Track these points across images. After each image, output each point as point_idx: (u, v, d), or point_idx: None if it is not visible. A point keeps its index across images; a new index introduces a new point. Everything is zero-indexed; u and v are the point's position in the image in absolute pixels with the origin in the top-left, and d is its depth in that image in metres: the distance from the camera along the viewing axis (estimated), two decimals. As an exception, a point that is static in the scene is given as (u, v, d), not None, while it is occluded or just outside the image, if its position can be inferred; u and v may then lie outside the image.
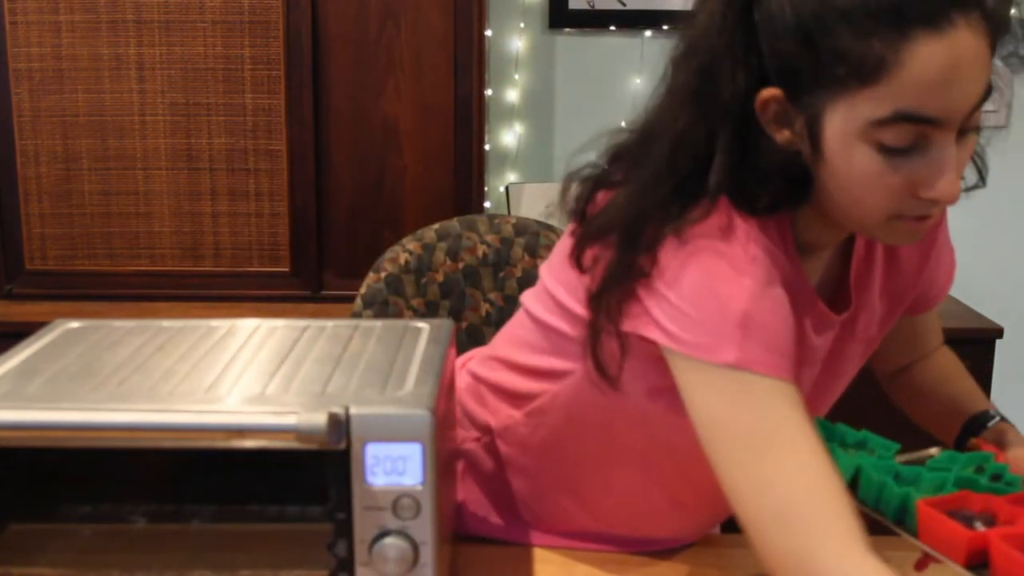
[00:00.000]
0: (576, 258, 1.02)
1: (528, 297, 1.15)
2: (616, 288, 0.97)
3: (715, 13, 0.91)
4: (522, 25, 2.39)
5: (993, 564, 0.83)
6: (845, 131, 0.88)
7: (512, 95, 2.41)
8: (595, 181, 1.03)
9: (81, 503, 0.94)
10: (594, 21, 2.38)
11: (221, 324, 1.11)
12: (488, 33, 2.20)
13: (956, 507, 0.89)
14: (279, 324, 1.12)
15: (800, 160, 0.93)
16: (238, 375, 0.96)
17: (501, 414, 1.18)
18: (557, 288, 1.08)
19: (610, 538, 1.20)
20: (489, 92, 2.27)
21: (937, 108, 0.85)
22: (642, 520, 1.19)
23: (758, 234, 0.94)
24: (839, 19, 0.84)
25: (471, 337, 1.57)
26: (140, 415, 0.87)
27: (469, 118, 2.08)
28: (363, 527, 0.89)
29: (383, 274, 1.57)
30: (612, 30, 2.38)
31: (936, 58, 0.83)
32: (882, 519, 0.91)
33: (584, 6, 2.37)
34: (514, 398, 1.17)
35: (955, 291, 2.38)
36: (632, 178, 0.99)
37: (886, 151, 0.87)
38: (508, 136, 2.42)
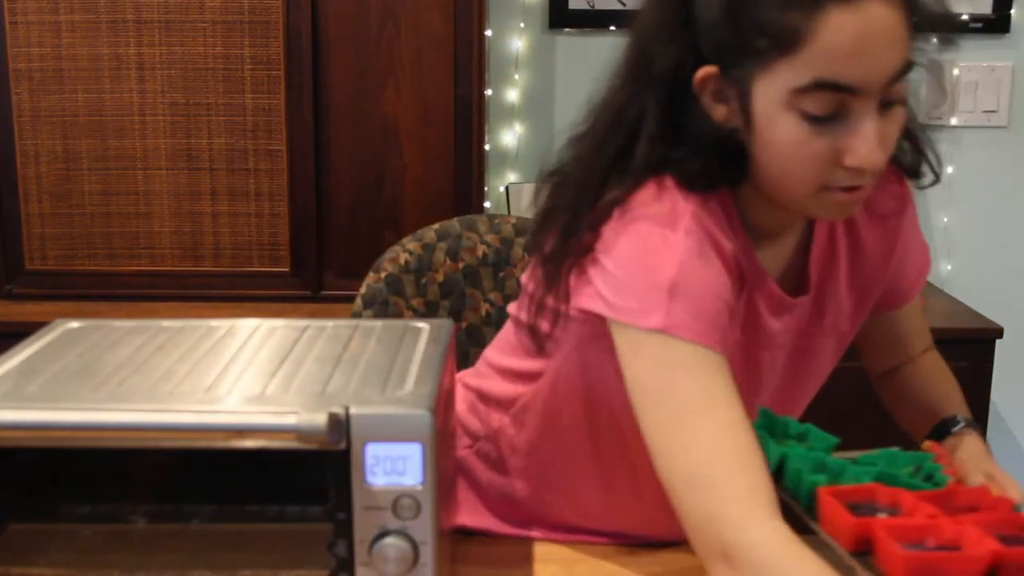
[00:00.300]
0: (533, 246, 1.05)
1: (512, 304, 1.19)
2: (565, 267, 1.01)
3: (649, 18, 0.98)
4: (522, 25, 2.39)
5: (876, 552, 0.86)
6: (771, 101, 0.92)
7: (512, 95, 2.41)
8: (548, 173, 1.07)
9: (81, 503, 0.94)
10: (594, 21, 2.38)
11: (221, 324, 1.11)
12: (488, 33, 2.20)
13: (863, 499, 0.91)
14: (279, 324, 1.12)
15: (737, 136, 0.96)
16: (238, 375, 0.96)
17: (490, 419, 1.21)
18: (530, 285, 1.10)
19: (607, 534, 1.21)
20: (489, 92, 2.27)
21: (852, 76, 0.89)
22: (635, 519, 1.19)
23: (696, 210, 0.97)
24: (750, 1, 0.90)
25: (471, 337, 1.57)
26: (140, 415, 0.87)
27: (469, 118, 2.08)
28: (363, 527, 0.89)
29: (383, 274, 1.57)
30: (612, 30, 2.38)
31: (848, 27, 0.88)
32: (796, 506, 0.94)
33: (584, 6, 2.37)
34: (500, 402, 1.19)
35: (955, 291, 2.38)
36: (576, 159, 1.04)
37: (809, 119, 0.91)
38: (508, 136, 2.42)
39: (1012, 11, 2.40)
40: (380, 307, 1.55)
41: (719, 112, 0.97)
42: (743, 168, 0.99)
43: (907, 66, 0.92)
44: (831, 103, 0.91)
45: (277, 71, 2.05)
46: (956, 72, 2.42)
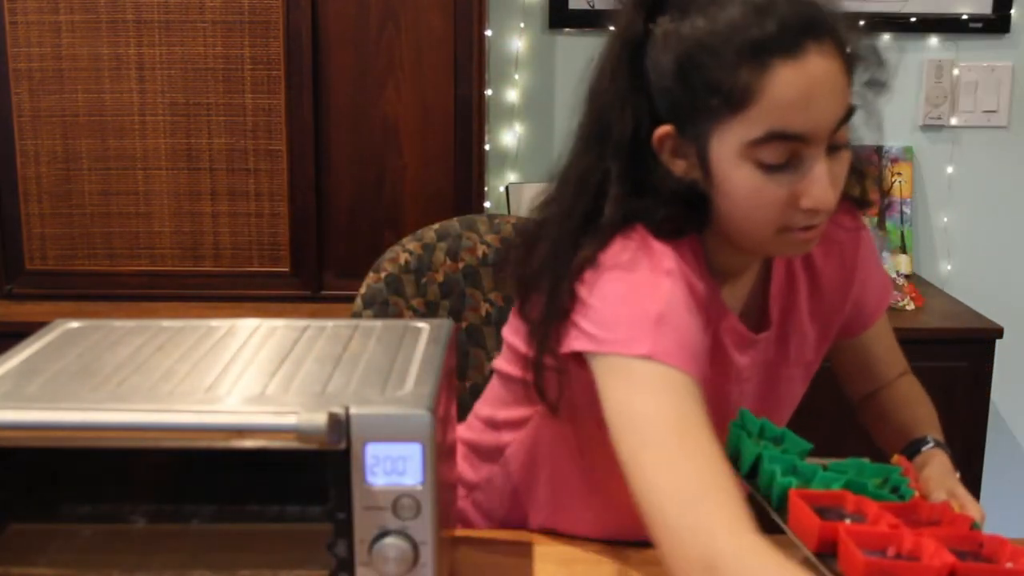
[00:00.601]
0: (520, 310, 1.12)
1: (497, 359, 1.25)
2: (552, 323, 1.07)
3: (608, 62, 1.04)
4: (522, 25, 2.39)
5: (839, 555, 0.90)
6: (727, 154, 0.99)
7: (512, 95, 2.41)
8: (523, 234, 1.14)
9: (81, 503, 0.94)
10: (594, 21, 2.38)
11: (221, 324, 1.11)
12: (488, 33, 2.20)
13: (831, 504, 0.96)
14: (279, 324, 1.12)
15: (698, 187, 1.03)
16: (238, 375, 0.96)
17: (481, 470, 1.28)
18: (514, 339, 1.17)
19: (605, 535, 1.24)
20: (489, 92, 2.27)
21: (801, 125, 0.96)
22: (630, 527, 1.19)
23: (672, 253, 1.04)
24: (710, 57, 0.96)
25: (471, 337, 1.57)
26: (140, 415, 0.87)
27: (469, 118, 2.08)
28: (363, 527, 0.89)
29: (383, 274, 1.57)
30: (612, 30, 2.37)
31: (794, 82, 0.95)
32: (766, 504, 0.98)
33: (584, 6, 2.37)
34: (489, 452, 1.27)
35: (955, 291, 2.38)
36: (548, 223, 1.10)
37: (765, 168, 0.98)
38: (508, 136, 2.42)
39: (1012, 11, 2.40)
40: (380, 307, 1.55)
41: (679, 166, 1.04)
42: (706, 216, 1.05)
43: (849, 111, 1.00)
44: (784, 152, 0.97)
45: (277, 71, 2.05)
46: (956, 72, 2.42)
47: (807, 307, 1.18)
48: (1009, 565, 0.90)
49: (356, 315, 1.55)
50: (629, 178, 1.04)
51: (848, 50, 0.99)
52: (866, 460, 1.05)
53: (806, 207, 0.99)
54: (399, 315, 1.55)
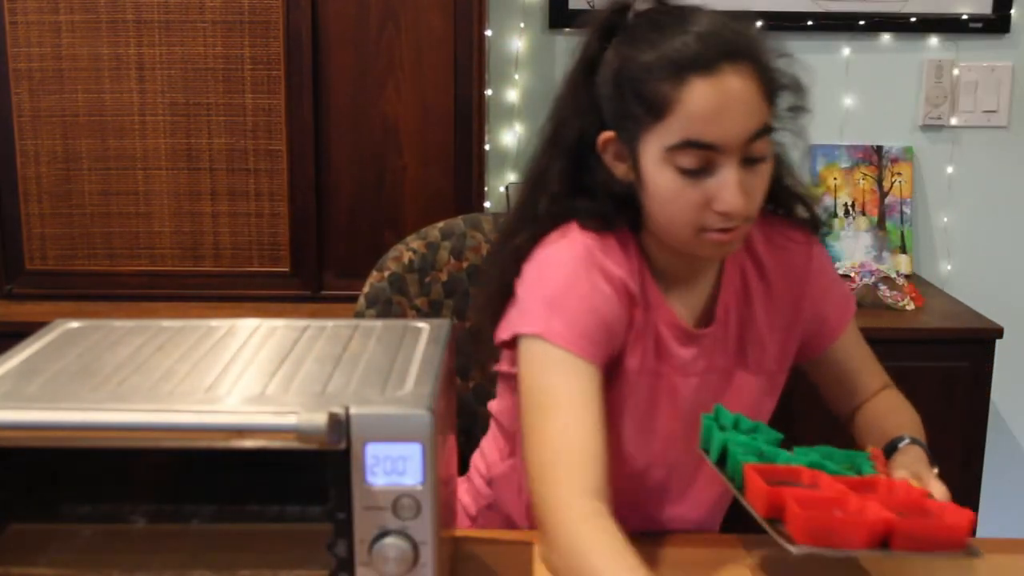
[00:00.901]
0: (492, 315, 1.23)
1: (491, 403, 1.38)
2: (494, 315, 1.22)
3: (570, 76, 1.20)
4: (522, 25, 2.39)
5: (785, 518, 0.96)
6: (652, 158, 1.12)
7: (512, 95, 2.41)
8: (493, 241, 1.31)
9: (81, 503, 0.94)
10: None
11: (221, 324, 1.12)
12: (488, 33, 2.20)
13: (787, 477, 1.02)
14: (279, 324, 1.12)
15: (634, 189, 1.16)
16: (238, 375, 0.96)
17: (482, 495, 1.38)
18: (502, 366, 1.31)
19: None
20: (489, 92, 2.27)
21: (713, 135, 1.08)
22: (640, 522, 1.24)
23: (590, 242, 1.16)
24: (640, 72, 1.10)
25: (474, 338, 1.56)
26: (140, 415, 0.87)
27: (469, 118, 2.07)
28: (363, 527, 0.89)
29: (386, 273, 1.56)
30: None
31: (707, 95, 1.07)
32: (731, 486, 1.05)
33: (584, 6, 2.37)
34: (490, 480, 1.37)
35: (955, 291, 2.38)
36: (504, 225, 1.26)
37: (683, 172, 1.10)
38: (508, 136, 2.42)
39: (1012, 11, 2.40)
40: (383, 306, 1.54)
41: (619, 169, 1.17)
42: (639, 215, 1.18)
43: (764, 129, 1.10)
44: (699, 159, 1.09)
45: (277, 71, 2.05)
46: (956, 72, 2.42)
47: (764, 317, 1.26)
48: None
49: (359, 314, 1.55)
50: (570, 177, 1.19)
51: (768, 75, 1.11)
52: (830, 447, 1.11)
53: (718, 210, 1.10)
54: (402, 314, 1.55)
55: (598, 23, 1.17)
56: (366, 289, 1.56)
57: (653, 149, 1.11)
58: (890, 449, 1.19)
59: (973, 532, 0.98)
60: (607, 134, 1.16)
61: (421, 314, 1.56)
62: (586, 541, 0.99)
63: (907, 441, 1.19)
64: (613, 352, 1.17)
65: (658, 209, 1.14)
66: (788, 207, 1.28)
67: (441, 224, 1.60)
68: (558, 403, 1.09)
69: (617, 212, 1.18)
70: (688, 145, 1.09)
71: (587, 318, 1.13)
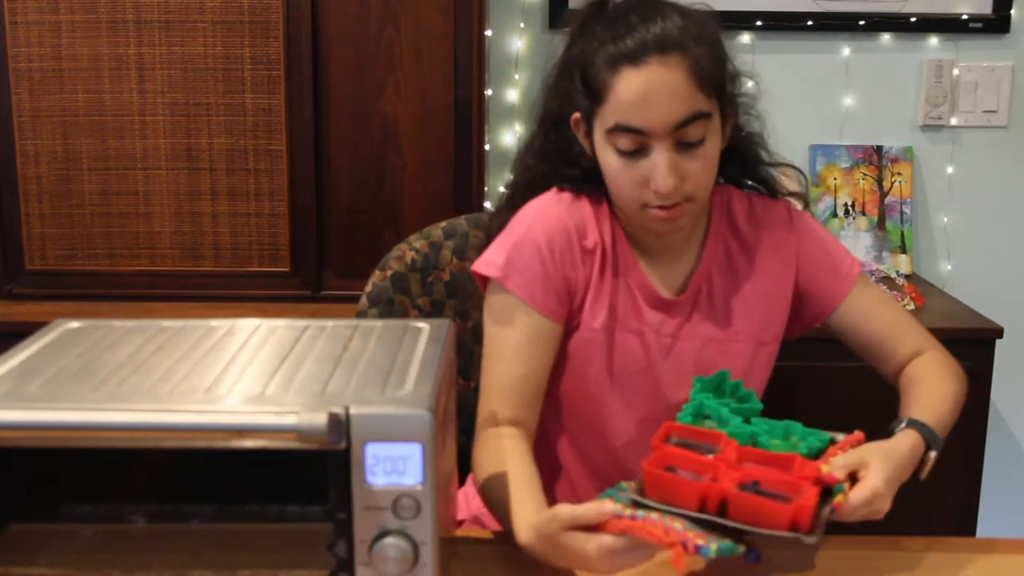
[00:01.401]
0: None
1: None
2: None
3: (557, 61, 1.32)
4: (522, 25, 2.39)
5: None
6: (599, 139, 1.24)
7: (512, 95, 2.41)
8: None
9: (81, 503, 0.94)
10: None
11: (221, 324, 1.11)
12: (488, 33, 2.20)
13: (704, 440, 1.10)
14: (279, 324, 1.12)
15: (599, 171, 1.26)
16: (238, 375, 0.96)
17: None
18: None
19: None
20: (489, 92, 2.27)
21: (640, 121, 1.18)
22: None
23: (565, 205, 1.30)
24: (589, 61, 1.22)
25: (476, 337, 1.56)
26: (140, 415, 0.87)
27: (469, 118, 2.07)
28: (363, 527, 0.89)
29: (389, 272, 1.56)
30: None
31: (634, 84, 1.18)
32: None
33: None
34: None
35: (955, 291, 2.38)
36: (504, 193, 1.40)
37: (620, 153, 1.21)
38: (508, 136, 2.42)
39: (1012, 11, 2.40)
40: (385, 306, 1.54)
41: (587, 146, 1.28)
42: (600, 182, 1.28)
43: (695, 115, 1.18)
44: (632, 142, 1.20)
45: (277, 71, 2.05)
46: (956, 72, 2.42)
47: (749, 288, 1.33)
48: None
49: (361, 314, 1.54)
50: (551, 150, 1.32)
51: (702, 66, 1.18)
52: (800, 424, 1.14)
53: (653, 189, 1.20)
54: (404, 314, 1.54)
55: (581, 14, 1.29)
56: (368, 288, 1.55)
57: (599, 131, 1.23)
58: (888, 433, 1.18)
59: (815, 521, 1.00)
60: (577, 115, 1.27)
61: (423, 314, 1.56)
62: (483, 450, 1.21)
63: (903, 424, 1.18)
64: (573, 305, 1.29)
65: (609, 184, 1.26)
66: (768, 184, 1.37)
67: (444, 224, 1.59)
68: (504, 347, 1.27)
69: (591, 181, 1.30)
70: (620, 129, 1.20)
71: (543, 274, 1.27)
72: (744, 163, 1.36)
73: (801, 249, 1.35)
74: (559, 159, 1.32)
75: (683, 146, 1.20)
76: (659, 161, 1.19)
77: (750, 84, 1.32)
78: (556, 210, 1.30)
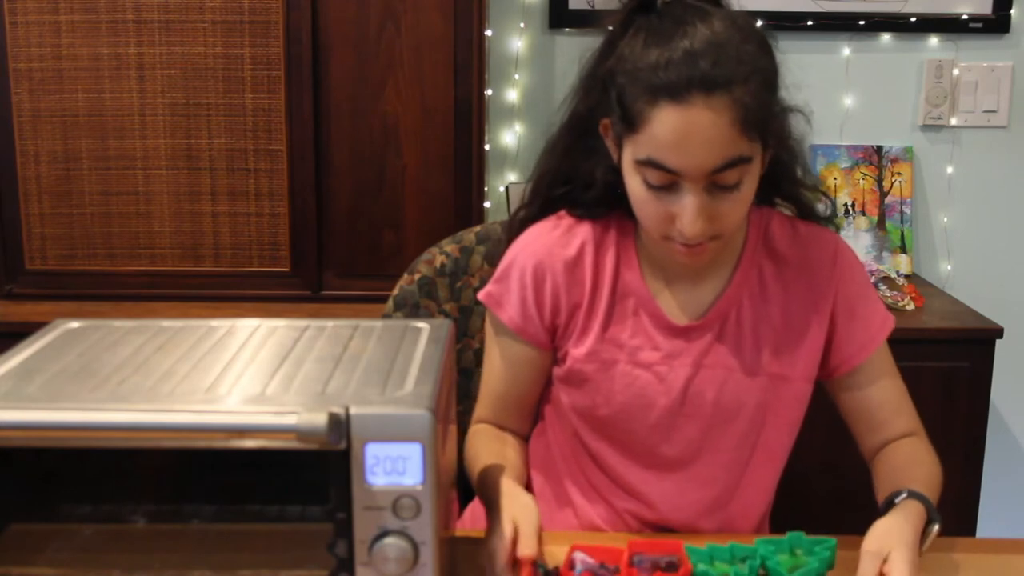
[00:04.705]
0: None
1: None
2: None
3: (592, 55, 1.21)
4: (522, 25, 2.39)
5: None
6: (628, 162, 1.15)
7: (512, 95, 2.41)
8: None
9: (81, 503, 0.94)
10: (594, 21, 2.38)
11: (221, 324, 1.11)
12: (488, 33, 2.20)
13: (665, 552, 1.08)
14: (279, 324, 1.12)
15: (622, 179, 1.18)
16: (238, 375, 0.96)
17: None
18: None
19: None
20: (489, 92, 2.27)
21: (674, 162, 1.09)
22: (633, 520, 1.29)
23: (566, 228, 1.27)
24: (625, 79, 1.11)
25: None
26: (140, 415, 0.87)
27: (469, 118, 2.07)
28: (363, 527, 0.89)
29: (416, 276, 1.53)
30: (611, 30, 2.37)
31: (672, 123, 1.07)
32: None
33: (584, 6, 2.37)
34: None
35: (955, 291, 2.39)
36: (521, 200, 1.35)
37: (648, 185, 1.13)
38: (508, 136, 2.42)
39: (1012, 11, 2.40)
40: (411, 309, 1.52)
41: (615, 155, 1.19)
42: (622, 202, 1.20)
43: (734, 161, 1.09)
44: (662, 178, 1.11)
45: (277, 71, 2.05)
46: (956, 72, 2.42)
47: (781, 318, 1.25)
48: None
49: (386, 316, 1.53)
50: (573, 153, 1.25)
51: (749, 107, 1.07)
52: (801, 533, 1.11)
53: (678, 228, 1.13)
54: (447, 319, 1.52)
55: (626, 7, 1.17)
56: (395, 292, 1.53)
57: (628, 154, 1.14)
58: (888, 504, 1.14)
59: None
60: (607, 120, 1.18)
61: (450, 320, 1.54)
62: (472, 443, 1.29)
63: (904, 495, 1.13)
64: (558, 334, 1.28)
65: (633, 207, 1.18)
66: (799, 204, 1.29)
67: (478, 228, 1.56)
68: (492, 362, 1.32)
69: (610, 201, 1.23)
70: (651, 164, 1.11)
71: (527, 300, 1.26)
72: (780, 184, 1.26)
73: (841, 288, 1.26)
74: (582, 164, 1.24)
75: (716, 188, 1.11)
76: (688, 204, 1.11)
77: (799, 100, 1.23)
78: (547, 238, 1.26)
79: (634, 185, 1.15)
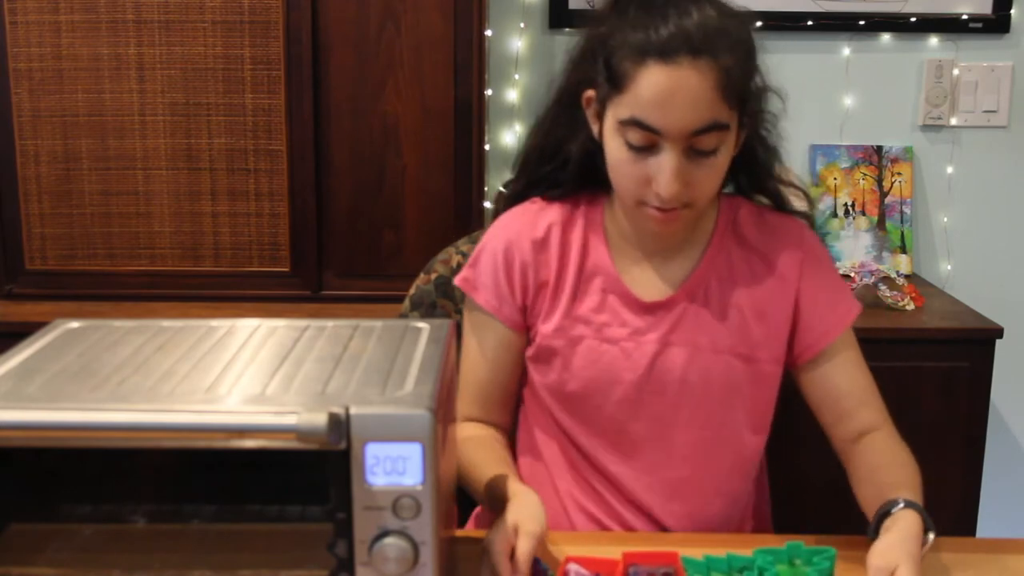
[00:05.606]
0: None
1: None
2: None
3: (578, 45, 1.27)
4: (522, 25, 2.39)
5: None
6: (610, 125, 1.19)
7: (512, 95, 2.41)
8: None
9: (81, 503, 0.94)
10: (594, 21, 2.38)
11: (221, 324, 1.12)
12: (488, 33, 2.20)
13: (660, 563, 1.08)
14: (279, 324, 1.12)
15: (601, 153, 1.23)
16: (238, 375, 0.96)
17: None
18: None
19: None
20: (489, 92, 2.27)
21: (656, 121, 1.14)
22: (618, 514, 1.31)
23: (536, 211, 1.32)
24: (614, 44, 1.17)
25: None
26: (140, 415, 0.87)
27: (469, 118, 2.07)
28: (363, 527, 0.89)
29: (433, 276, 1.53)
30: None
31: (658, 82, 1.13)
32: None
33: (584, 6, 2.37)
34: None
35: (955, 291, 2.39)
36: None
37: (629, 146, 1.17)
38: (508, 136, 2.42)
39: (1012, 11, 2.40)
40: (427, 309, 1.52)
41: (596, 127, 1.24)
42: (597, 178, 1.26)
43: (713, 125, 1.14)
44: (644, 138, 1.16)
45: (277, 71, 2.05)
46: (956, 72, 2.42)
47: (748, 300, 1.28)
48: None
49: (403, 316, 1.53)
50: (559, 125, 1.29)
51: (731, 76, 1.13)
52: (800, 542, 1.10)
53: (654, 191, 1.17)
54: (447, 319, 1.52)
55: None
56: (412, 291, 1.54)
57: (611, 117, 1.19)
58: (883, 514, 1.13)
59: None
60: (590, 92, 1.24)
61: (454, 319, 1.54)
62: (463, 450, 1.26)
63: (901, 506, 1.12)
64: (530, 314, 1.31)
65: (610, 173, 1.23)
66: (776, 199, 1.33)
67: None
68: (471, 352, 1.34)
69: (585, 178, 1.29)
70: (634, 124, 1.15)
71: (501, 282, 1.30)
72: (756, 175, 1.32)
73: (806, 272, 1.29)
74: (564, 139, 1.29)
75: (694, 153, 1.16)
76: (666, 165, 1.15)
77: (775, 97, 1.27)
78: (517, 222, 1.32)
79: (614, 148, 1.19)
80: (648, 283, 1.29)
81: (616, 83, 1.16)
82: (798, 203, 1.35)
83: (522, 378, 1.37)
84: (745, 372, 1.28)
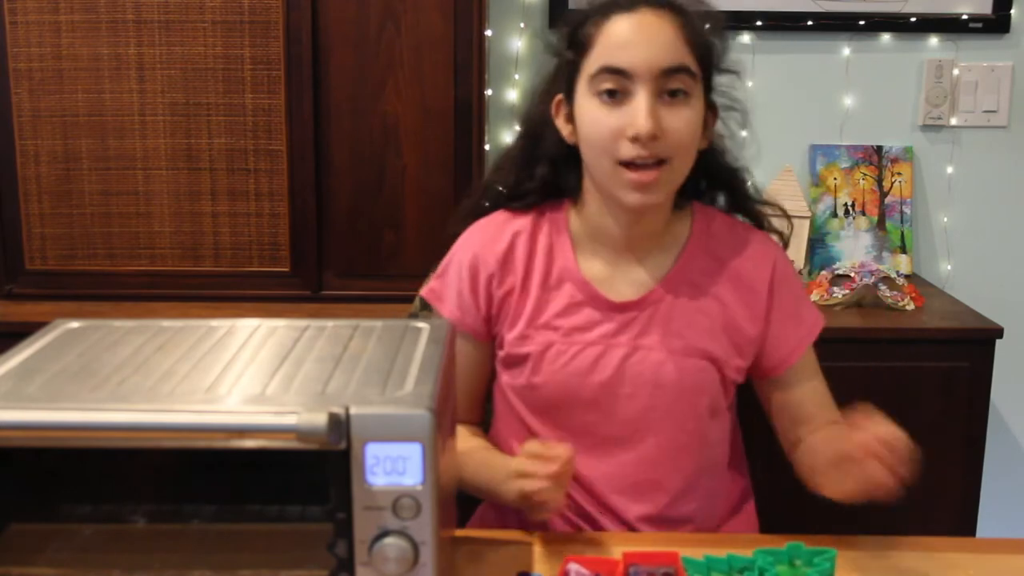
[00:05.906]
0: None
1: None
2: None
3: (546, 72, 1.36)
4: (522, 25, 2.39)
5: None
6: (582, 96, 1.25)
7: (512, 95, 2.41)
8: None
9: (81, 503, 0.94)
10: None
11: (221, 324, 1.12)
12: (488, 33, 2.20)
13: (660, 563, 1.08)
14: (279, 324, 1.12)
15: (576, 151, 1.28)
16: (238, 375, 0.96)
17: None
18: None
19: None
20: (489, 92, 2.27)
21: (624, 61, 1.21)
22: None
23: (501, 222, 1.35)
24: (577, 19, 1.27)
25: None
26: (140, 415, 0.87)
27: (469, 118, 2.07)
28: (363, 527, 0.89)
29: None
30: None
31: (622, 27, 1.22)
32: None
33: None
34: None
35: (955, 291, 2.38)
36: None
37: (600, 96, 1.22)
38: (508, 136, 2.42)
39: (1012, 11, 2.40)
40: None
41: (567, 131, 1.29)
42: (580, 182, 1.32)
43: (681, 67, 1.21)
44: (614, 82, 1.21)
45: (277, 71, 2.05)
46: (956, 72, 2.42)
47: (717, 309, 1.30)
48: None
49: (413, 315, 1.54)
50: (528, 146, 1.36)
51: (690, 26, 1.22)
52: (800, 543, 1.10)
53: (629, 134, 1.20)
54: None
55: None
56: (423, 291, 1.54)
57: (582, 84, 1.24)
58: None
59: None
60: (559, 96, 1.30)
61: None
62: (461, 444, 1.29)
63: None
64: (497, 319, 1.33)
65: (585, 144, 1.26)
66: (756, 219, 1.38)
67: None
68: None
69: (552, 187, 1.34)
70: (604, 71, 1.21)
71: (463, 294, 1.33)
72: (734, 198, 1.38)
73: (777, 293, 1.32)
74: (530, 165, 1.35)
75: (666, 96, 1.21)
76: (640, 103, 1.20)
77: (738, 104, 1.34)
78: (483, 234, 1.35)
79: (588, 109, 1.24)
80: (618, 283, 1.31)
81: (583, 45, 1.24)
82: (777, 221, 1.40)
83: (490, 382, 1.40)
84: (714, 376, 1.30)
